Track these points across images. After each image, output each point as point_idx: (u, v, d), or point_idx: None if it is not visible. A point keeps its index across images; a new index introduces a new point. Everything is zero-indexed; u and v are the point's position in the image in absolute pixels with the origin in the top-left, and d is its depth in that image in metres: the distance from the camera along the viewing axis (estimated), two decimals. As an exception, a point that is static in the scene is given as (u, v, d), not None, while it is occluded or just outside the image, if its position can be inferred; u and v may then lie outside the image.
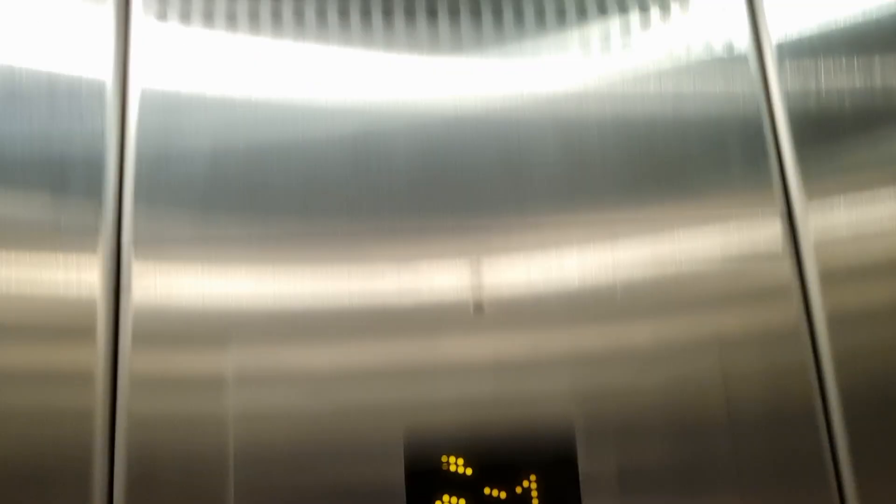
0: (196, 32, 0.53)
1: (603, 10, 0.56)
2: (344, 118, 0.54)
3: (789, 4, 0.56)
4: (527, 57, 0.56)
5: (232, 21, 0.53)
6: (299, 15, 0.54)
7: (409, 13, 0.54)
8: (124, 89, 0.51)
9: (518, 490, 0.51)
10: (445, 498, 0.52)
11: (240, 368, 0.50)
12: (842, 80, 0.55)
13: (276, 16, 0.54)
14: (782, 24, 0.56)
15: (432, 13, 0.54)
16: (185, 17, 0.53)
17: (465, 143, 0.54)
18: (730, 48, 0.55)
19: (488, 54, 0.55)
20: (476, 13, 0.54)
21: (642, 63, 0.55)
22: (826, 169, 0.54)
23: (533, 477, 0.52)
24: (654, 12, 0.56)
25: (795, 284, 0.53)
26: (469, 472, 0.52)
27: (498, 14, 0.54)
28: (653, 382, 0.53)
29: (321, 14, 0.54)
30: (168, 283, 0.50)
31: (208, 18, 0.53)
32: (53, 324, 0.48)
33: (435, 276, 0.53)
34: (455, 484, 0.52)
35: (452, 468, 0.52)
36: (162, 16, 0.52)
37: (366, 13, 0.54)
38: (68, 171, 0.49)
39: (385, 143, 0.54)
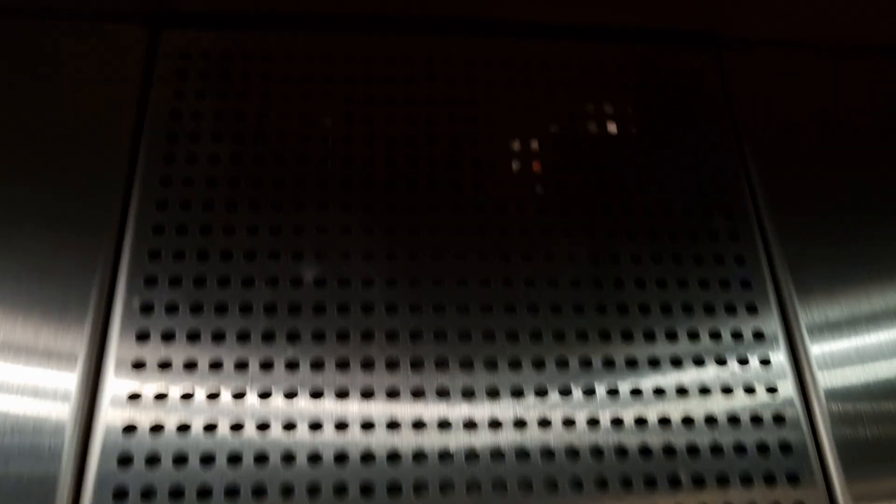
0: (169, 377, 0.51)
1: (632, 365, 0.54)
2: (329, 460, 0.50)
3: (835, 357, 0.57)
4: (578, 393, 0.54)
5: (214, 395, 0.50)
6: (291, 391, 0.51)
7: (416, 364, 0.53)
8: (88, 427, 0.49)
9: None
10: None
11: None
12: (888, 412, 0.56)
13: (265, 395, 0.51)
14: (829, 375, 0.56)
15: (442, 364, 0.53)
16: (162, 395, 0.50)
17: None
18: (774, 394, 0.55)
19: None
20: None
21: (679, 401, 0.54)
22: (871, 479, 0.53)
23: None
24: (689, 367, 0.55)
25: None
26: None
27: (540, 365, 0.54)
28: None
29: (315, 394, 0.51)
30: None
31: (186, 396, 0.50)
32: None
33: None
34: None
35: None
36: (137, 394, 0.50)
37: (367, 365, 0.52)
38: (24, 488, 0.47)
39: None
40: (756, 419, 0.54)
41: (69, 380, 0.50)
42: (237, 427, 0.50)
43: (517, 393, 0.52)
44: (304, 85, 0.62)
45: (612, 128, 0.64)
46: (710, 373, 0.55)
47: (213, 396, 0.50)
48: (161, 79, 0.61)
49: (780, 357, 0.56)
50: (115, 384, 0.50)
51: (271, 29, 0.64)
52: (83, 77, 0.60)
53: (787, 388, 0.55)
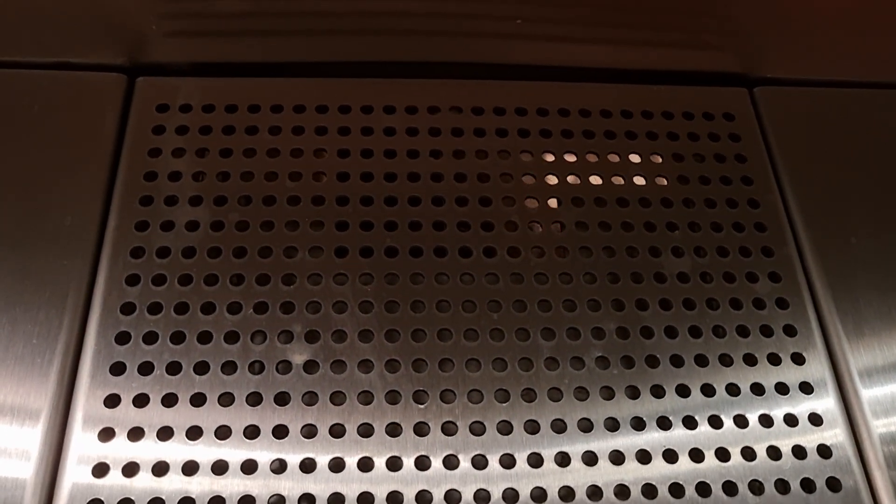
0: (140, 447, 0.45)
1: (665, 425, 0.48)
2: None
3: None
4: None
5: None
6: (277, 464, 0.45)
7: (421, 463, 0.46)
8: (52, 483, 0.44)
9: None
10: None
11: None
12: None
13: (249, 469, 0.44)
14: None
15: (451, 461, 0.46)
16: (137, 434, 0.45)
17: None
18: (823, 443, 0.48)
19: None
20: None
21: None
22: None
23: None
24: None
25: None
26: None
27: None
28: None
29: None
30: None
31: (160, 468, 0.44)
32: None
33: None
34: None
35: None
36: (107, 436, 0.45)
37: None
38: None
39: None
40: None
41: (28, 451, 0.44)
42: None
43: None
44: (295, 139, 0.56)
45: (640, 179, 0.57)
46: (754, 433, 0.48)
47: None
48: (135, 136, 0.55)
49: (829, 404, 0.49)
50: (80, 457, 0.44)
51: (258, 75, 0.58)
52: (41, 136, 0.54)
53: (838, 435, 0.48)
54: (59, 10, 0.56)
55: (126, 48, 0.57)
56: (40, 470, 0.43)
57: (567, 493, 0.45)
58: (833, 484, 0.47)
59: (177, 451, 0.44)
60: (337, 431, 0.46)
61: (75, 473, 0.43)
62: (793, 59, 0.62)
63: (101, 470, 0.44)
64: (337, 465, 0.45)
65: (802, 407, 0.49)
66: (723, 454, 0.47)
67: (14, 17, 0.56)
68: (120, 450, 0.44)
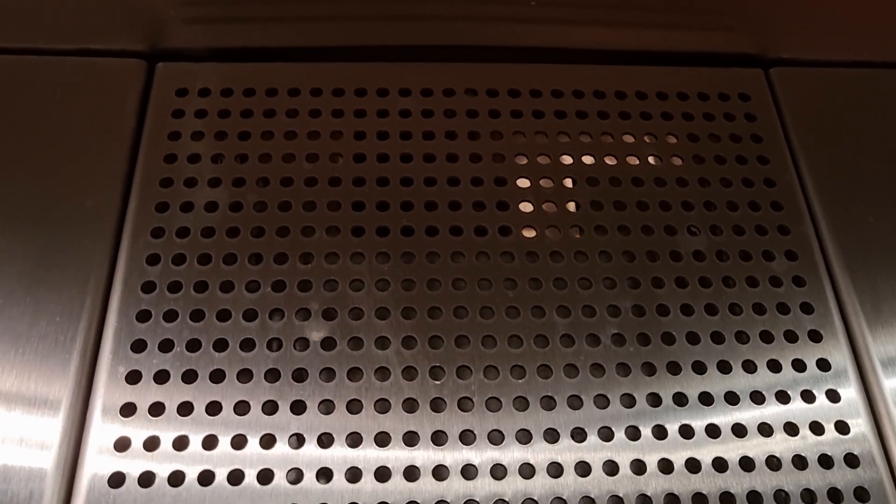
0: (161, 422, 0.45)
1: (682, 403, 0.48)
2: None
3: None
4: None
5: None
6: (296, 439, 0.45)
7: (437, 437, 0.46)
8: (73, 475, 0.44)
9: None
10: None
11: None
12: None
13: (267, 444, 0.45)
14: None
15: (467, 434, 0.46)
16: (158, 410, 0.45)
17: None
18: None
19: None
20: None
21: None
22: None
23: None
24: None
25: None
26: None
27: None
28: None
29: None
30: None
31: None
32: None
33: None
34: None
35: None
36: (129, 412, 0.45)
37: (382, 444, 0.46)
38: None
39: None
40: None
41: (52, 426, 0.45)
42: (236, 478, 0.44)
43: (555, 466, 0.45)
44: (312, 121, 0.57)
45: (655, 159, 0.57)
46: (771, 410, 0.48)
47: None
48: (155, 120, 0.56)
49: (846, 380, 0.49)
50: (102, 431, 0.45)
51: (276, 60, 0.59)
52: (64, 121, 0.55)
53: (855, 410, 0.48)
54: (81, -3, 0.57)
55: (146, 35, 0.58)
56: (64, 442, 0.44)
57: (584, 469, 0.45)
58: (851, 459, 0.46)
59: (196, 426, 0.45)
60: (354, 407, 0.46)
61: (98, 448, 0.44)
62: (808, 39, 0.62)
63: (122, 444, 0.44)
64: (354, 441, 0.45)
65: (819, 383, 0.49)
66: (739, 430, 0.47)
67: (37, 6, 0.57)
68: (141, 425, 0.45)
